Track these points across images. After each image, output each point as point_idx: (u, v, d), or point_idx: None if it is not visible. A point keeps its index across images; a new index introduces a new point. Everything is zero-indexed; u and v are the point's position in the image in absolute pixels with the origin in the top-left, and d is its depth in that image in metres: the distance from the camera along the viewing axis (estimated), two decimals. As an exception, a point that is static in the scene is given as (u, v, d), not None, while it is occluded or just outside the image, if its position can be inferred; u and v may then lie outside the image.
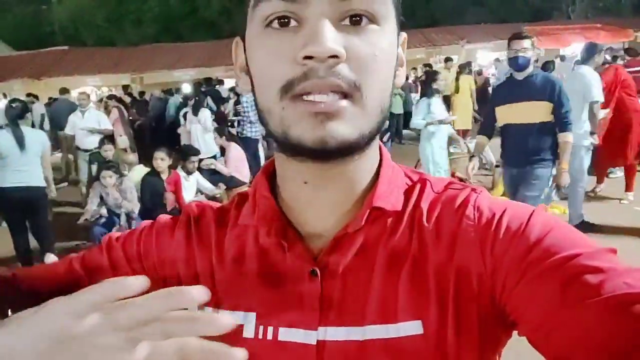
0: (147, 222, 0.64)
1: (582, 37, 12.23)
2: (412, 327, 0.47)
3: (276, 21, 0.44)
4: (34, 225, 4.28)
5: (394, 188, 0.53)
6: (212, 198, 5.29)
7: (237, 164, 6.25)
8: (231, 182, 5.76)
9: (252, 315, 0.52)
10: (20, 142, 4.00)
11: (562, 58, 12.35)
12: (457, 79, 8.52)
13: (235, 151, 6.34)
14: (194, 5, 21.15)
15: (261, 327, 0.51)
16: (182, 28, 21.65)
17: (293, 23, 0.44)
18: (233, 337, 0.49)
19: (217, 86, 11.09)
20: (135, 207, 4.72)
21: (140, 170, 5.29)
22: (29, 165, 4.08)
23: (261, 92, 0.47)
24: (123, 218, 4.69)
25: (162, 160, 4.78)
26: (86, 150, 6.34)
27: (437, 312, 0.47)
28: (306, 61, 0.42)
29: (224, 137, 6.38)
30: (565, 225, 0.47)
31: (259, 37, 0.46)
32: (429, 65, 11.71)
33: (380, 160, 0.55)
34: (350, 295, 0.49)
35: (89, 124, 6.35)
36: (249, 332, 0.51)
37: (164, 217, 0.64)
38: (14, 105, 4.42)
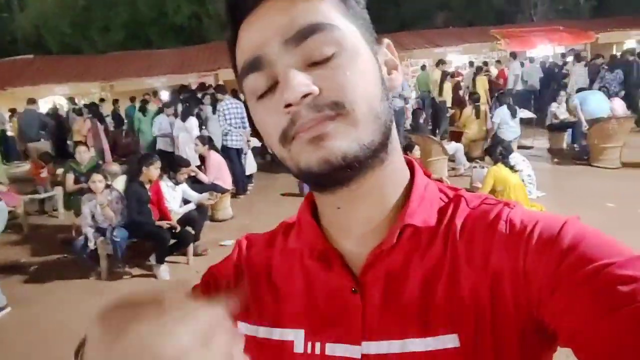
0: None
1: (546, 40, 12.70)
2: (449, 340, 0.49)
3: (265, 92, 0.50)
4: None
5: (427, 204, 0.55)
6: (200, 206, 5.26)
7: (218, 172, 6.20)
8: (215, 190, 5.74)
9: (301, 332, 0.56)
10: None
11: (532, 60, 12.80)
12: (473, 80, 8.73)
13: (215, 158, 6.29)
14: (163, 10, 20.82)
15: (309, 343, 0.55)
16: (151, 34, 21.33)
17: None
18: (285, 353, 0.56)
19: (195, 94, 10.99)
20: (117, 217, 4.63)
21: (123, 181, 5.21)
22: None
23: (271, 146, 0.53)
24: (109, 231, 4.57)
25: (158, 169, 4.71)
26: None
27: (473, 326, 0.48)
28: (288, 109, 0.46)
29: (205, 145, 6.32)
30: (599, 233, 0.47)
31: (255, 107, 0.52)
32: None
33: (413, 176, 0.58)
34: (389, 310, 0.52)
35: None
36: (298, 348, 0.55)
37: (221, 263, 0.67)
38: None
